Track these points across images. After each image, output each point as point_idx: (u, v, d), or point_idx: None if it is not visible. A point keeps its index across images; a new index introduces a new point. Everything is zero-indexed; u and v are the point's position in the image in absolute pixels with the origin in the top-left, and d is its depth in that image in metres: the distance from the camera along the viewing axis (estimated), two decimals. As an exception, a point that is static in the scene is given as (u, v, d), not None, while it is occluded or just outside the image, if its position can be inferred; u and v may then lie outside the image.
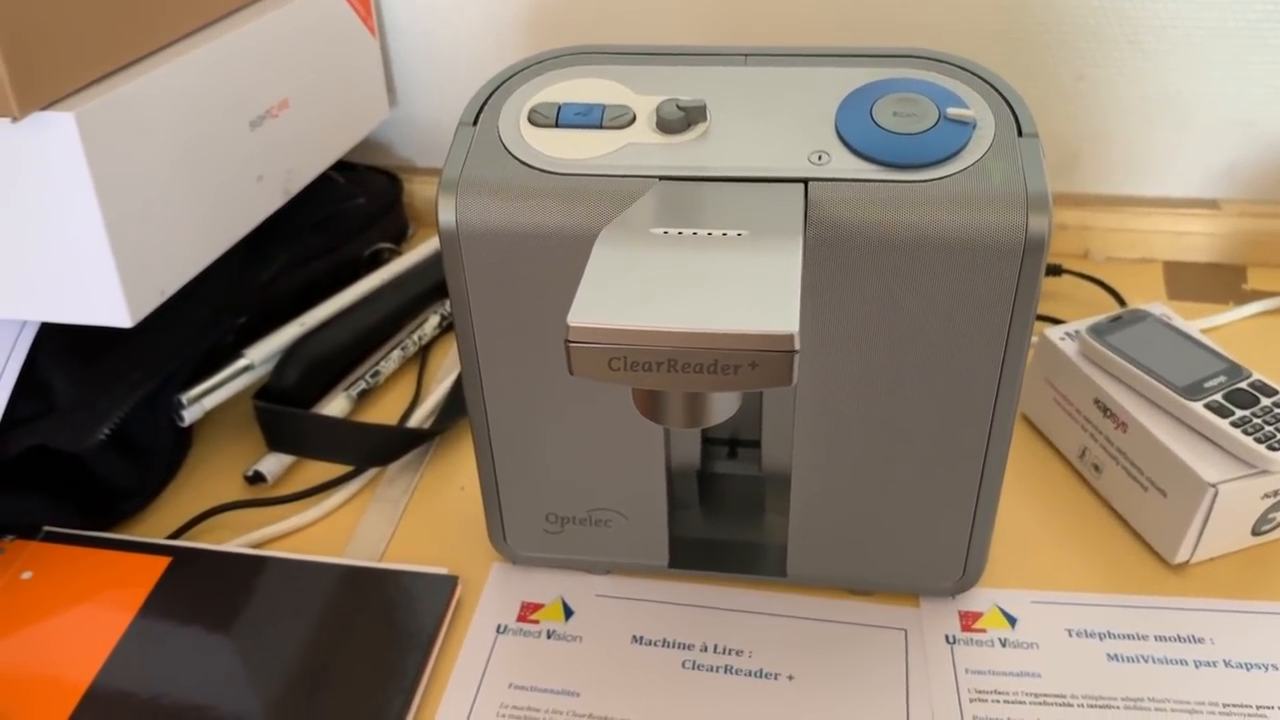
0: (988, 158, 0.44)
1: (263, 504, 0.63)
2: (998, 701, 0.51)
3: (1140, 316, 0.62)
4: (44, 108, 0.52)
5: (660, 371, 0.33)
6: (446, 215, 0.46)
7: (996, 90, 0.47)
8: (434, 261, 0.80)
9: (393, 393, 0.73)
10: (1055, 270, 0.78)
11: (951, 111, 0.45)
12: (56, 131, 0.52)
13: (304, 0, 0.71)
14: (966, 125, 0.45)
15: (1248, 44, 0.75)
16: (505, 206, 0.45)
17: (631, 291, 0.34)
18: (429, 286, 0.78)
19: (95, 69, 0.55)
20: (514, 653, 0.54)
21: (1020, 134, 0.45)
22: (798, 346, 0.32)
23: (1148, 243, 0.82)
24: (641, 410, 0.37)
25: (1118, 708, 0.50)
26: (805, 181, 0.44)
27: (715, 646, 0.54)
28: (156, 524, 0.63)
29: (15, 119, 0.51)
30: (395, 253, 0.84)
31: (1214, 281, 0.79)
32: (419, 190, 0.90)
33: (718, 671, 0.53)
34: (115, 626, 0.55)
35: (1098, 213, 0.81)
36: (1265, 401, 0.56)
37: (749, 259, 0.36)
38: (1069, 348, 0.63)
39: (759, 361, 0.32)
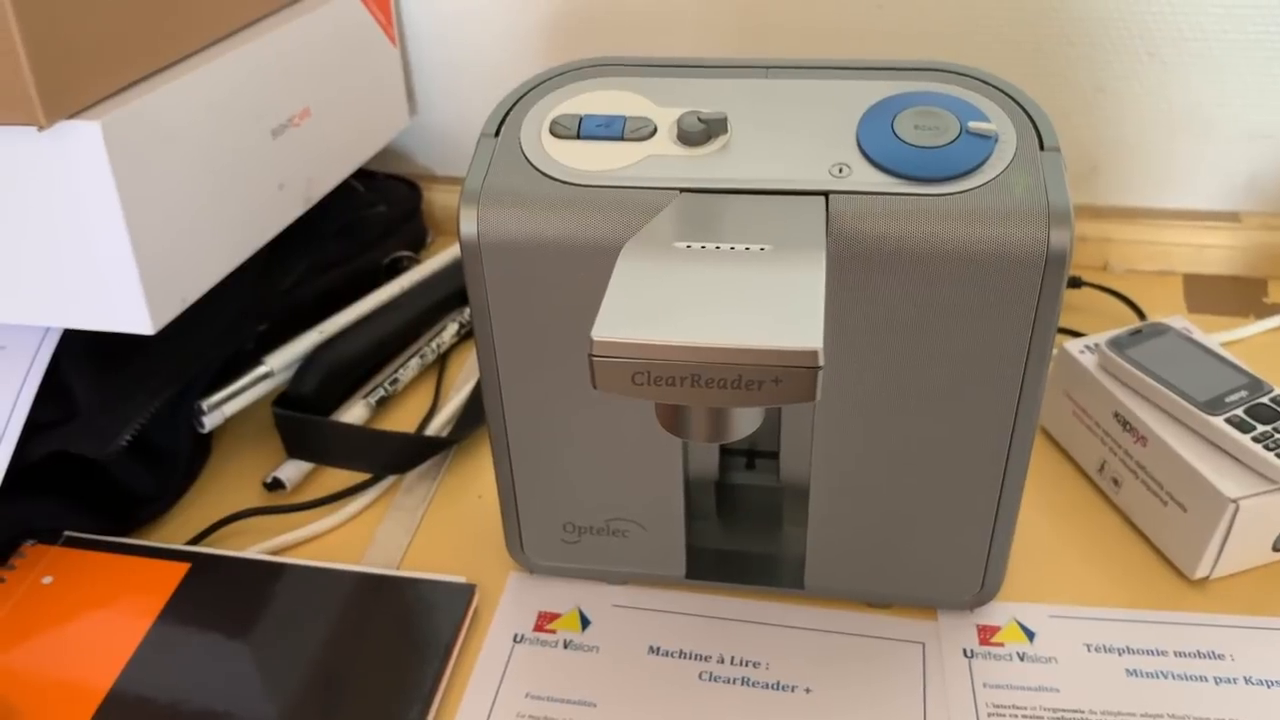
0: (1009, 171, 0.44)
1: (281, 511, 0.63)
2: (1015, 717, 0.51)
3: (1160, 330, 0.62)
4: (70, 117, 0.53)
5: (684, 386, 0.33)
6: (468, 226, 0.46)
7: (1018, 103, 0.47)
8: (453, 269, 0.80)
9: (411, 400, 0.73)
10: (1075, 282, 0.78)
11: (973, 125, 0.45)
12: (82, 140, 0.53)
13: (326, 9, 0.72)
14: (988, 139, 0.45)
15: (1269, 56, 0.74)
16: (526, 218, 0.45)
17: (655, 306, 0.34)
18: (447, 294, 0.78)
19: (120, 78, 0.56)
20: (531, 662, 0.54)
21: (1042, 147, 0.45)
22: (822, 363, 0.32)
23: (1168, 255, 0.81)
24: (664, 424, 0.37)
25: (1137, 724, 0.50)
26: (826, 194, 0.44)
27: (732, 658, 0.54)
28: (176, 530, 0.63)
29: (41, 128, 0.52)
30: (414, 260, 0.84)
31: (1234, 294, 0.79)
32: (439, 198, 0.90)
33: (734, 683, 0.53)
34: (134, 632, 0.55)
35: (1117, 225, 0.81)
36: (1287, 417, 0.55)
37: (772, 274, 0.36)
38: (1088, 360, 0.62)
39: (782, 377, 0.32)
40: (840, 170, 0.45)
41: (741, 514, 0.59)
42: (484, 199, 0.46)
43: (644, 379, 0.33)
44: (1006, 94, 0.47)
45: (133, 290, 0.57)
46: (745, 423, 0.37)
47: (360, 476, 0.66)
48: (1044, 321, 0.44)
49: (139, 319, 0.57)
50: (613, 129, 0.47)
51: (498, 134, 0.48)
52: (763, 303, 0.34)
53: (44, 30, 0.51)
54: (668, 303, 0.34)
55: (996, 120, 0.46)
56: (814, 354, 0.32)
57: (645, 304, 0.34)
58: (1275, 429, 0.54)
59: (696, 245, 0.38)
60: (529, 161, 0.47)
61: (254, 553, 0.60)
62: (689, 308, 0.34)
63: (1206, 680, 0.52)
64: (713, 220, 0.41)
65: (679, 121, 0.46)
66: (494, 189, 0.46)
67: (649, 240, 0.39)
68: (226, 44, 0.63)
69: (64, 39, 0.52)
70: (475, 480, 0.66)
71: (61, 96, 0.52)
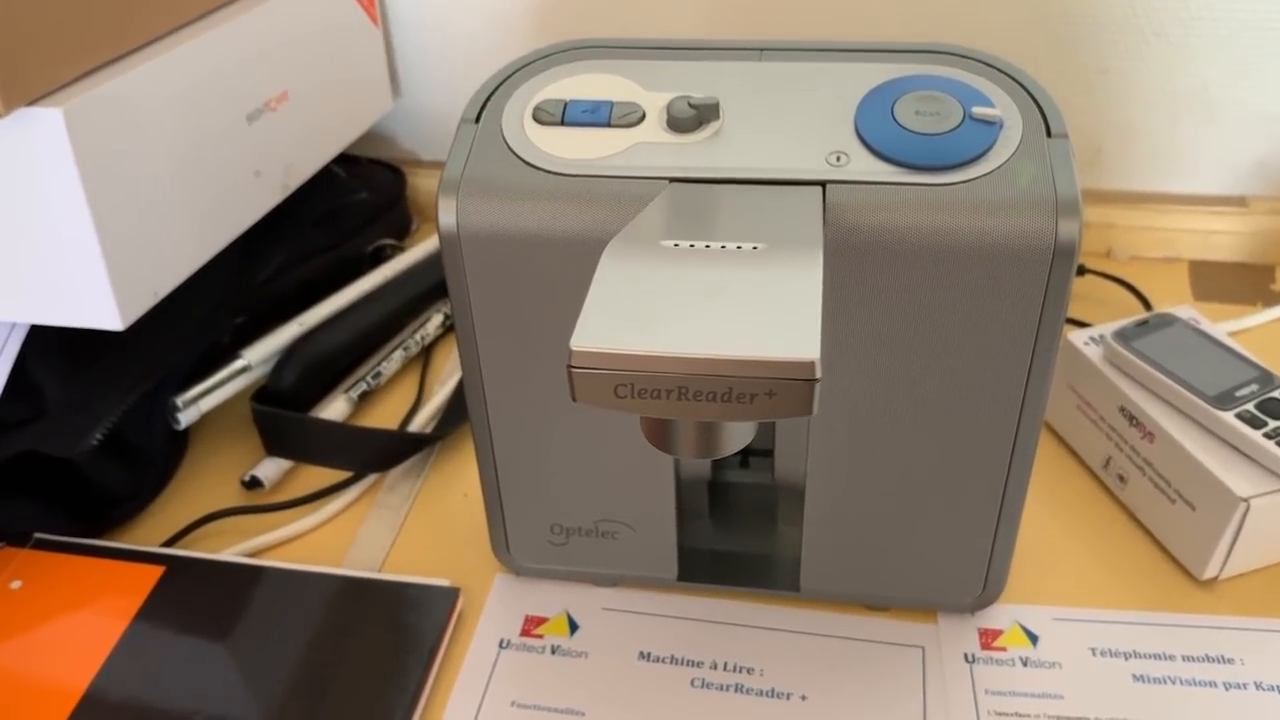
0: (1015, 159, 0.42)
1: (260, 510, 0.61)
2: (1019, 724, 0.49)
3: (1168, 321, 0.60)
4: (31, 103, 0.51)
5: (670, 399, 0.31)
6: (447, 217, 0.44)
7: (1023, 87, 0.45)
8: (438, 258, 0.78)
9: (394, 394, 0.71)
10: (1078, 270, 0.76)
11: (977, 111, 0.43)
12: (44, 128, 0.51)
13: (304, -11, 0.69)
14: (993, 125, 0.43)
15: (1278, 36, 0.72)
16: (508, 209, 0.43)
17: (639, 312, 0.32)
18: (432, 284, 0.76)
19: (85, 63, 0.54)
20: (517, 669, 0.52)
21: (1049, 134, 0.43)
22: (819, 375, 0.30)
23: (1173, 241, 0.79)
24: (650, 439, 0.35)
25: (1144, 732, 0.48)
26: (823, 184, 0.42)
27: (725, 664, 0.52)
28: (151, 530, 0.61)
29: (0, 115, 0.49)
30: (398, 249, 0.82)
31: (1241, 282, 0.77)
32: (423, 184, 0.88)
33: (728, 690, 0.51)
34: (107, 637, 0.54)
35: (1121, 210, 0.79)
36: (1300, 412, 0.54)
37: (766, 277, 0.34)
38: (1093, 353, 0.60)
39: (777, 390, 0.30)
40: (838, 159, 0.43)
41: (735, 514, 0.57)
42: (464, 188, 0.44)
43: (627, 391, 0.31)
44: (1011, 77, 0.46)
45: (100, 285, 0.55)
46: (736, 437, 0.35)
47: (341, 474, 0.64)
48: (1051, 315, 0.43)
49: (108, 314, 0.55)
50: (599, 115, 0.45)
51: (478, 120, 0.46)
52: (756, 309, 0.32)
53: (3, 12, 0.48)
54: (653, 309, 0.32)
55: (1001, 105, 0.44)
56: (810, 365, 0.30)
57: (629, 310, 0.32)
58: (1288, 425, 0.53)
59: (685, 244, 0.36)
60: (511, 149, 0.45)
61: (231, 554, 0.59)
62: (676, 314, 0.32)
63: (1216, 685, 0.50)
64: (703, 215, 0.39)
65: (668, 107, 0.44)
66: (474, 178, 0.44)
67: (634, 238, 0.37)
68: (199, 26, 0.61)
69: (23, 21, 0.50)
70: (460, 478, 0.64)
71: (21, 81, 0.50)
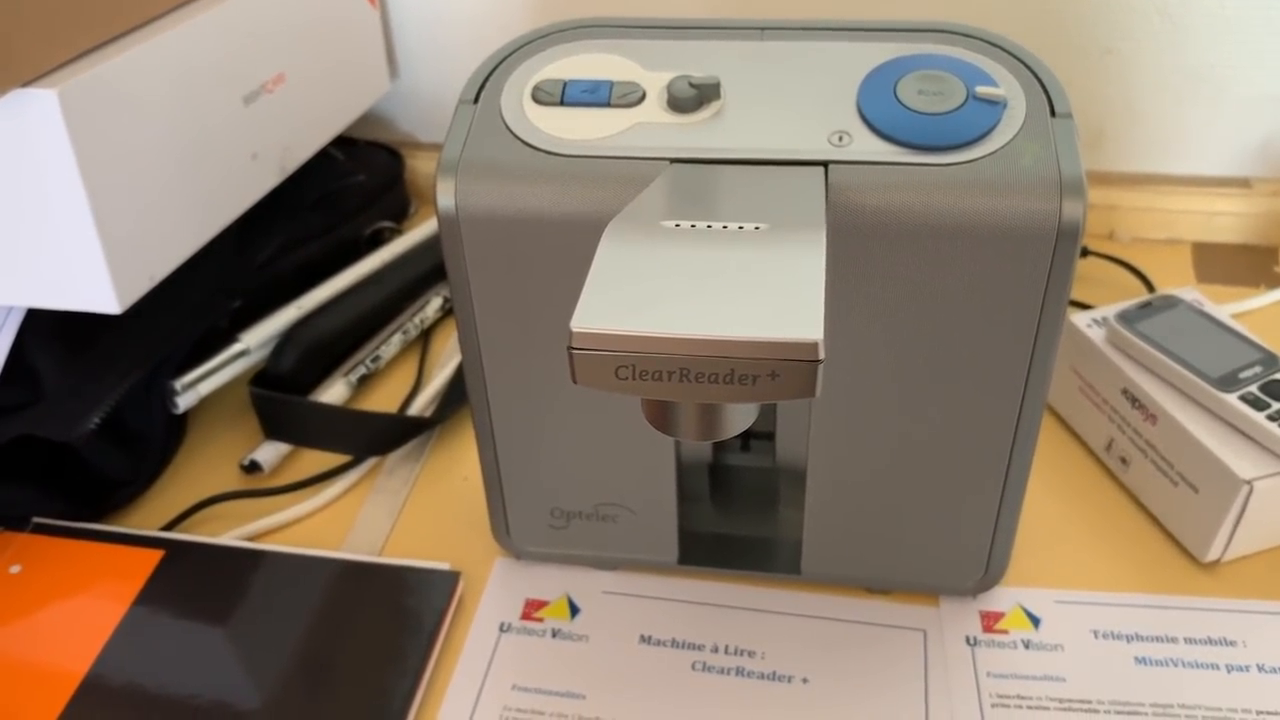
0: (1019, 139, 0.42)
1: (259, 494, 0.61)
2: (1020, 707, 0.49)
3: (1171, 303, 0.60)
4: (25, 84, 0.50)
5: (671, 381, 0.31)
6: (445, 199, 0.44)
7: (1027, 66, 0.45)
8: (437, 241, 0.77)
9: (394, 378, 0.71)
10: (1080, 251, 0.76)
11: (980, 90, 0.43)
12: (38, 110, 0.50)
13: (300, -31, 0.69)
14: (996, 105, 0.43)
15: (1284, 15, 0.72)
16: (507, 190, 0.43)
17: (640, 294, 0.32)
18: (431, 267, 0.76)
19: (79, 43, 0.53)
20: (518, 652, 0.52)
21: (1053, 114, 0.43)
22: (822, 356, 0.29)
23: (1176, 223, 0.79)
24: (651, 421, 0.35)
25: (1146, 714, 0.48)
26: (825, 164, 0.42)
27: (726, 647, 0.52)
28: (149, 514, 0.61)
29: (-6, 96, 0.49)
30: (396, 232, 0.82)
31: (1244, 263, 0.77)
32: (421, 166, 0.88)
33: (728, 673, 0.51)
34: (107, 622, 0.54)
35: (1124, 192, 0.79)
36: (1303, 394, 0.53)
37: (768, 257, 0.33)
38: (1096, 335, 0.60)
39: (780, 371, 0.30)
40: (840, 138, 0.42)
41: (736, 497, 0.57)
42: (462, 170, 0.44)
43: (628, 373, 0.30)
44: (1015, 56, 0.45)
45: (97, 268, 0.54)
46: (739, 419, 0.35)
47: (341, 458, 0.63)
48: (1054, 296, 0.42)
49: (104, 298, 0.55)
50: (599, 95, 0.45)
51: (477, 100, 0.46)
52: (758, 290, 0.32)
53: (-7, -8, 0.48)
54: (654, 290, 0.32)
55: (1005, 85, 0.44)
56: (814, 346, 0.29)
57: (630, 291, 0.32)
58: (1291, 407, 0.52)
59: (686, 224, 0.36)
60: (510, 130, 0.44)
61: (231, 538, 0.58)
62: (677, 295, 0.32)
63: (1218, 668, 0.50)
64: (704, 195, 0.39)
65: (669, 87, 0.44)
66: (473, 159, 0.44)
67: (635, 219, 0.36)
68: (195, 7, 0.60)
69: (18, 2, 0.49)
70: (460, 462, 0.64)
71: (14, 63, 0.50)
